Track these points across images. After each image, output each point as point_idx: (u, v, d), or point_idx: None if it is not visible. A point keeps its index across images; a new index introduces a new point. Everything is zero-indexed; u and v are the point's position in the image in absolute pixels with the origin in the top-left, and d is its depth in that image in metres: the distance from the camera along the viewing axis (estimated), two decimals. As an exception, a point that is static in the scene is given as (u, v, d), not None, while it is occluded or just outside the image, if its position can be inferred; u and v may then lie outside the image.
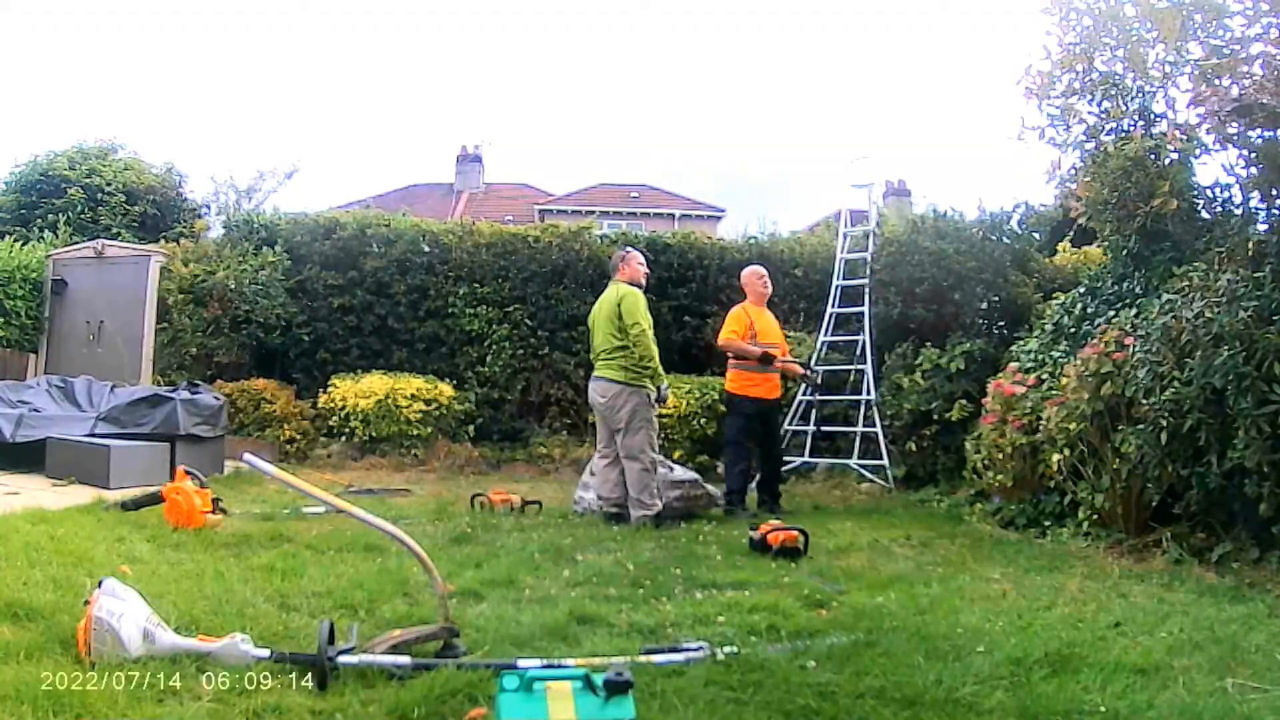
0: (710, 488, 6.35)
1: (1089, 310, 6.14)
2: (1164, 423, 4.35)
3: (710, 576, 3.97)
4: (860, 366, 8.46)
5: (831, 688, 2.51)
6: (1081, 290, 6.51)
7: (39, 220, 11.19)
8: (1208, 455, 4.21)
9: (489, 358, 9.78)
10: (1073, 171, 5.71)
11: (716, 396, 8.98)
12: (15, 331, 9.69)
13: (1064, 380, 5.20)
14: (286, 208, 10.74)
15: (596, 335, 5.88)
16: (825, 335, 8.80)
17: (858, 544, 4.95)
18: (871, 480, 7.90)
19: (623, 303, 5.68)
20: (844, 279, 8.94)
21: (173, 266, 9.64)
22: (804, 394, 8.52)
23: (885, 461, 7.90)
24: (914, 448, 7.74)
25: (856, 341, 8.62)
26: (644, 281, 6.04)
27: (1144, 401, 4.50)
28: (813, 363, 8.59)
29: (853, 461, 8.10)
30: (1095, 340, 5.10)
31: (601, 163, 60.74)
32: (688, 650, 2.72)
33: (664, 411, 8.67)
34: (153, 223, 11.60)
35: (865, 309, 8.65)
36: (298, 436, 8.89)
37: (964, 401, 7.28)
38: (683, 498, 6.02)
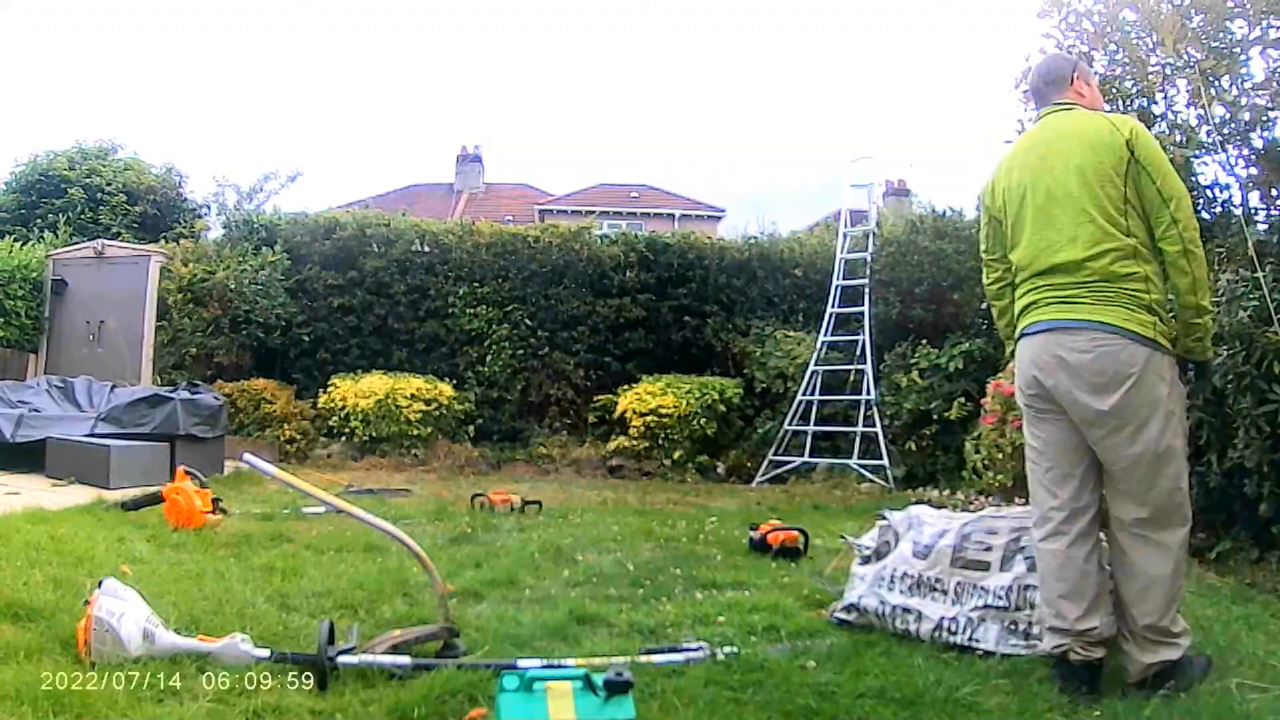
0: None
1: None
2: (1164, 423, 4.34)
3: (710, 576, 3.97)
4: (860, 366, 8.46)
5: (831, 688, 2.50)
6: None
7: (39, 220, 11.18)
8: (1207, 455, 4.21)
9: (489, 358, 9.78)
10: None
11: (717, 396, 9.00)
12: (15, 331, 9.68)
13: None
14: (286, 208, 10.75)
15: (1046, 219, 2.60)
16: (825, 335, 8.81)
17: (857, 544, 4.94)
18: (871, 480, 7.90)
19: (1141, 143, 2.51)
20: (844, 279, 8.95)
21: (173, 266, 9.65)
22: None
23: (885, 461, 7.90)
24: (914, 447, 7.75)
25: (856, 341, 8.62)
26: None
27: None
28: (813, 363, 8.61)
29: (853, 461, 8.10)
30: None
31: (601, 163, 60.82)
32: (687, 650, 2.72)
33: (663, 410, 8.70)
34: (153, 223, 11.59)
35: (865, 309, 8.66)
36: (298, 436, 8.90)
37: (963, 401, 7.28)
38: None
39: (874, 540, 3.32)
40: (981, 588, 2.92)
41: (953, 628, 2.92)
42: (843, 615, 3.22)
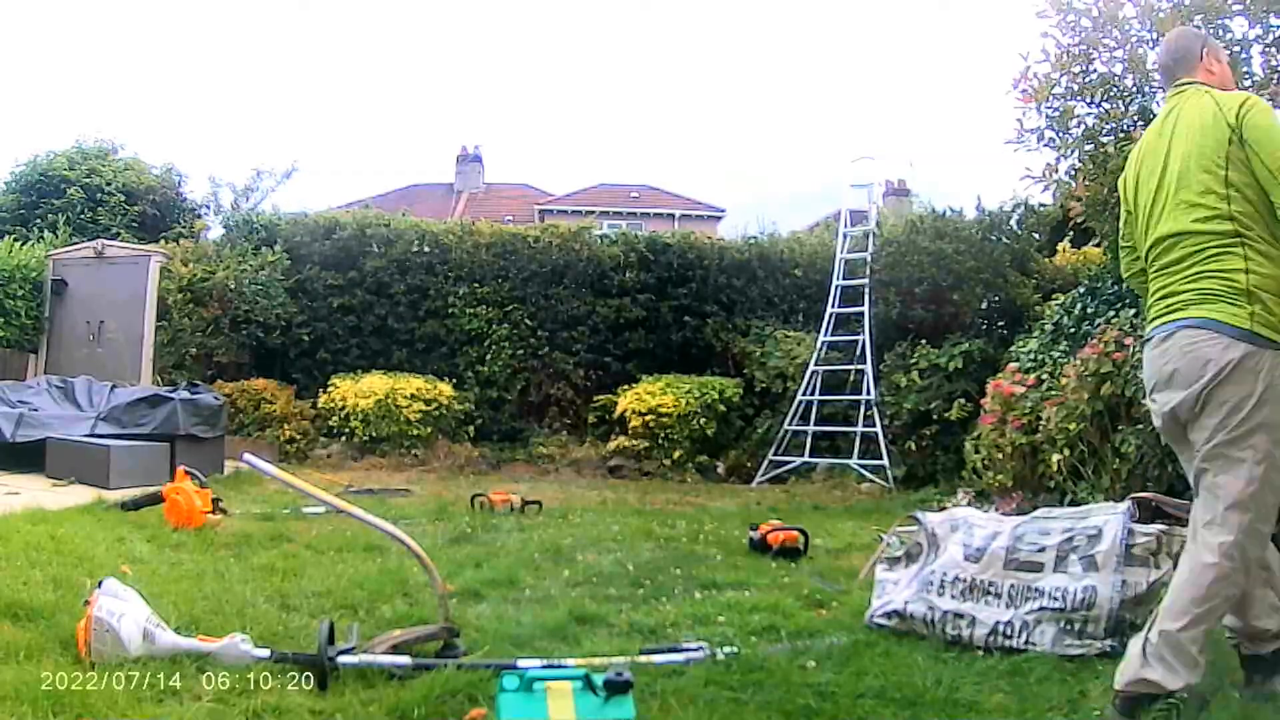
0: None
1: (1089, 310, 6.13)
2: (1165, 423, 4.34)
3: (710, 576, 3.97)
4: (860, 366, 8.47)
5: (831, 688, 2.50)
6: (1081, 290, 6.51)
7: (39, 220, 11.17)
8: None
9: (489, 358, 9.78)
10: (1071, 172, 5.71)
11: (717, 396, 9.00)
12: (15, 331, 9.68)
13: (1064, 380, 5.20)
14: (286, 208, 10.76)
15: (1156, 207, 2.51)
16: (825, 335, 8.81)
17: (858, 544, 4.94)
18: (871, 480, 7.91)
19: (1249, 121, 2.35)
20: (844, 279, 8.95)
21: (173, 266, 9.65)
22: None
23: (885, 461, 7.91)
24: (914, 448, 7.75)
25: (856, 341, 8.63)
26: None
27: (1144, 401, 4.50)
28: (813, 363, 8.61)
29: (853, 461, 8.10)
30: (1095, 340, 5.09)
31: (601, 163, 60.75)
32: (687, 650, 2.72)
33: (663, 410, 8.71)
34: (153, 223, 11.58)
35: (865, 309, 8.66)
36: (298, 436, 8.90)
37: (963, 401, 7.29)
38: None
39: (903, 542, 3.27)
40: (1036, 589, 2.86)
41: (1008, 631, 2.86)
42: (883, 621, 3.13)
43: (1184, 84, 2.54)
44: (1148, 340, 2.51)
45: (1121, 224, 2.79)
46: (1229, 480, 2.27)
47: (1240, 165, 2.31)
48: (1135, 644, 2.32)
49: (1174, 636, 2.24)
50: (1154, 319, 2.48)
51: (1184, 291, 2.37)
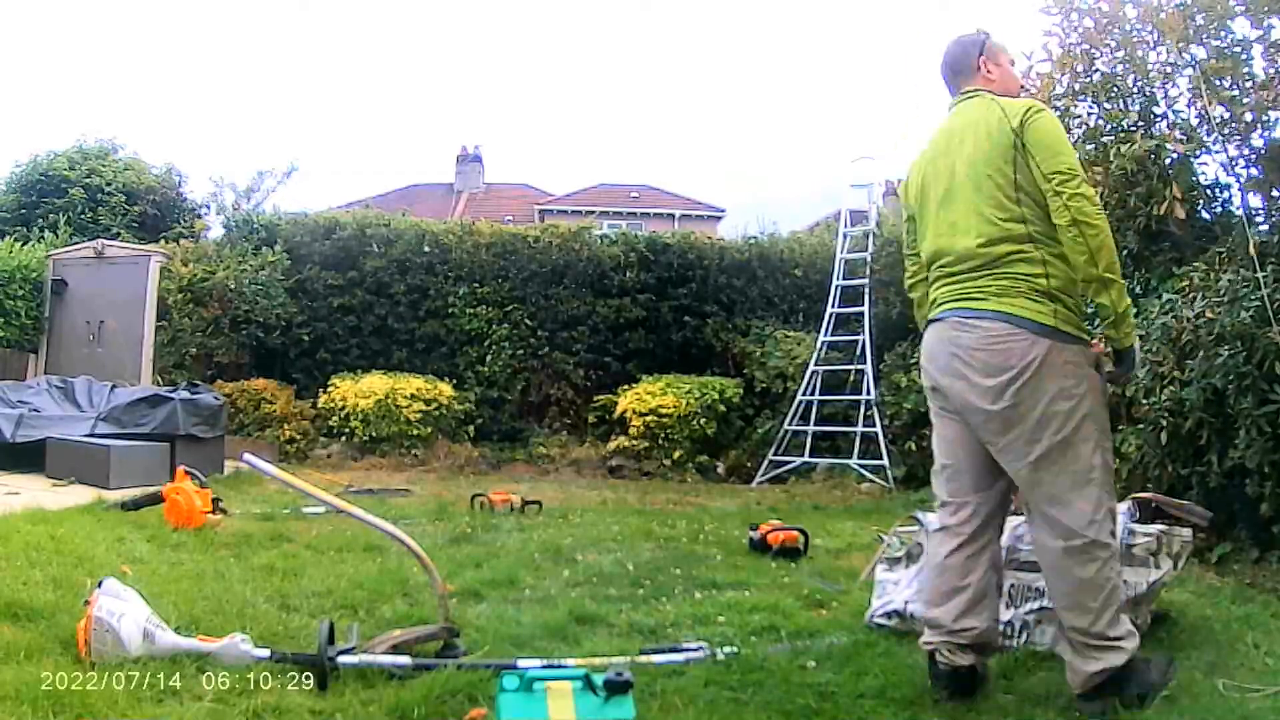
0: None
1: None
2: (1164, 423, 4.35)
3: (710, 576, 3.97)
4: (860, 366, 8.46)
5: (831, 688, 2.50)
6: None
7: (39, 220, 11.18)
8: (1208, 455, 4.21)
9: (489, 358, 9.78)
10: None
11: (717, 396, 9.00)
12: (15, 331, 9.68)
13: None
14: (286, 207, 10.75)
15: (945, 211, 2.58)
16: (825, 335, 8.81)
17: (858, 544, 4.94)
18: (871, 480, 7.90)
19: (1031, 126, 2.43)
20: (844, 279, 8.95)
21: (173, 266, 9.65)
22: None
23: (885, 461, 7.90)
24: (914, 448, 7.74)
25: (856, 341, 8.63)
26: (1021, 89, 2.93)
27: (1144, 401, 4.50)
28: (813, 363, 8.61)
29: (853, 461, 8.10)
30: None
31: (601, 163, 60.73)
32: (688, 650, 2.72)
33: (663, 410, 8.70)
34: (153, 223, 11.58)
35: (865, 309, 8.66)
36: (298, 436, 8.90)
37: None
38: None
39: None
40: (1036, 589, 2.82)
41: (1008, 631, 2.84)
42: (883, 621, 3.13)
43: (969, 92, 2.62)
44: (936, 321, 2.55)
45: (904, 233, 2.84)
46: (1067, 469, 2.35)
47: (1026, 170, 2.39)
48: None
49: (1095, 629, 2.31)
50: (945, 304, 2.52)
51: (984, 288, 2.43)
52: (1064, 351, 2.37)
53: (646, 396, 8.89)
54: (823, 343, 8.79)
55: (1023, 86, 5.28)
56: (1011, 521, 3.06)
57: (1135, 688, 2.32)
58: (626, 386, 9.31)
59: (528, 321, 9.88)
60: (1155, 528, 3.00)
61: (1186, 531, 3.10)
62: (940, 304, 2.55)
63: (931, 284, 2.63)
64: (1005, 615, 2.86)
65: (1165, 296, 4.81)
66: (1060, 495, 2.35)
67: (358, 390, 8.83)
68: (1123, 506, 2.95)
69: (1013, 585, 2.91)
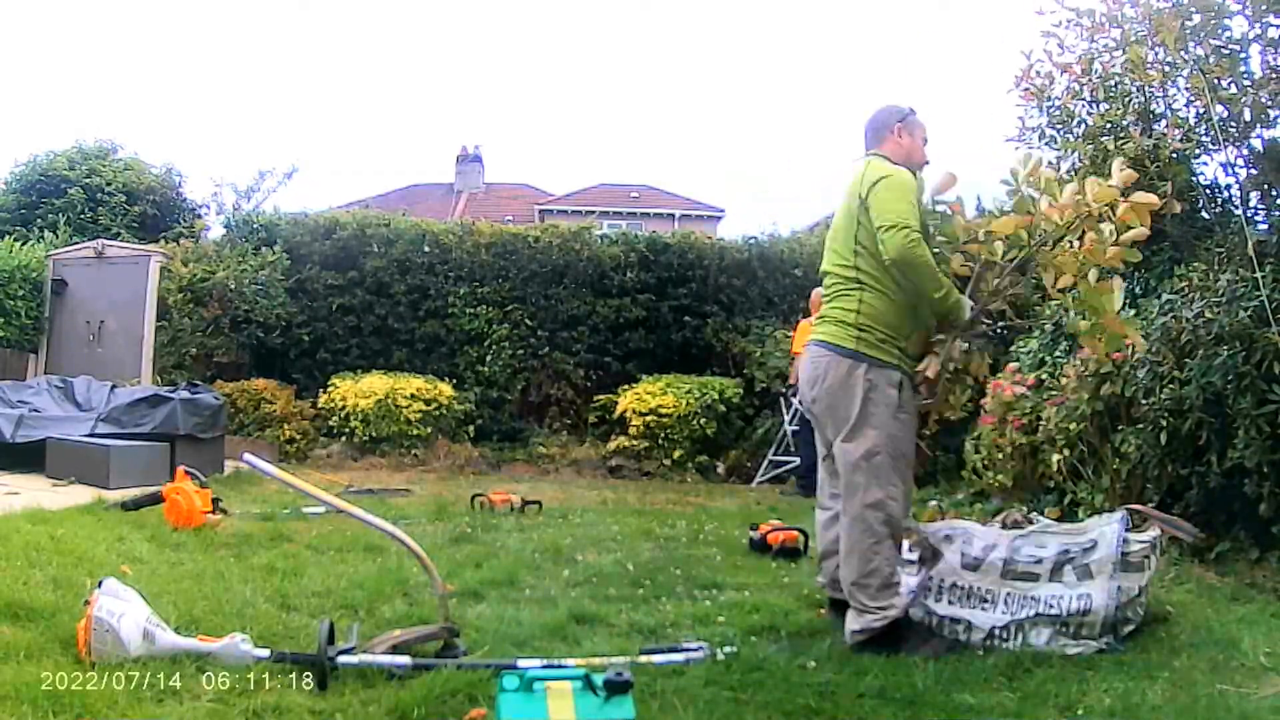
0: None
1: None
2: (1164, 423, 4.35)
3: (710, 576, 3.98)
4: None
5: (831, 688, 2.51)
6: (1081, 290, 6.49)
7: (39, 220, 11.17)
8: (1208, 455, 4.21)
9: (489, 358, 9.79)
10: (1072, 172, 5.70)
11: (716, 396, 9.00)
12: (15, 331, 9.68)
13: (1064, 380, 5.19)
14: (286, 207, 10.74)
15: (825, 250, 3.32)
16: (825, 335, 8.80)
17: (857, 544, 4.94)
18: (871, 480, 7.90)
19: (872, 193, 3.03)
20: (844, 279, 8.94)
21: (173, 266, 9.65)
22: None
23: (885, 461, 7.90)
24: (914, 448, 7.74)
25: (856, 341, 8.62)
26: (924, 161, 3.37)
27: (1144, 401, 4.50)
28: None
29: (853, 461, 8.09)
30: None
31: (601, 163, 60.73)
32: (688, 650, 2.72)
33: (663, 410, 8.69)
34: (153, 223, 11.58)
35: (865, 309, 8.65)
36: (298, 436, 8.90)
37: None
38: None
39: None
40: (1032, 597, 3.00)
41: (1004, 635, 2.98)
42: None
43: (871, 153, 3.25)
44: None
45: None
46: (852, 457, 3.03)
47: (865, 227, 3.06)
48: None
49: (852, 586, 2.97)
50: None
51: (823, 317, 3.22)
52: (858, 368, 3.05)
53: (646, 396, 8.90)
54: (823, 343, 8.78)
55: (1025, 87, 5.32)
56: (1008, 535, 3.14)
57: (893, 647, 2.88)
58: (626, 386, 9.31)
59: (528, 321, 9.88)
60: (1149, 535, 3.11)
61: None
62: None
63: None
64: (1001, 620, 3.00)
65: (1165, 296, 4.81)
66: (846, 476, 3.06)
67: (358, 390, 8.83)
68: (1117, 516, 3.11)
69: (1009, 594, 3.03)
